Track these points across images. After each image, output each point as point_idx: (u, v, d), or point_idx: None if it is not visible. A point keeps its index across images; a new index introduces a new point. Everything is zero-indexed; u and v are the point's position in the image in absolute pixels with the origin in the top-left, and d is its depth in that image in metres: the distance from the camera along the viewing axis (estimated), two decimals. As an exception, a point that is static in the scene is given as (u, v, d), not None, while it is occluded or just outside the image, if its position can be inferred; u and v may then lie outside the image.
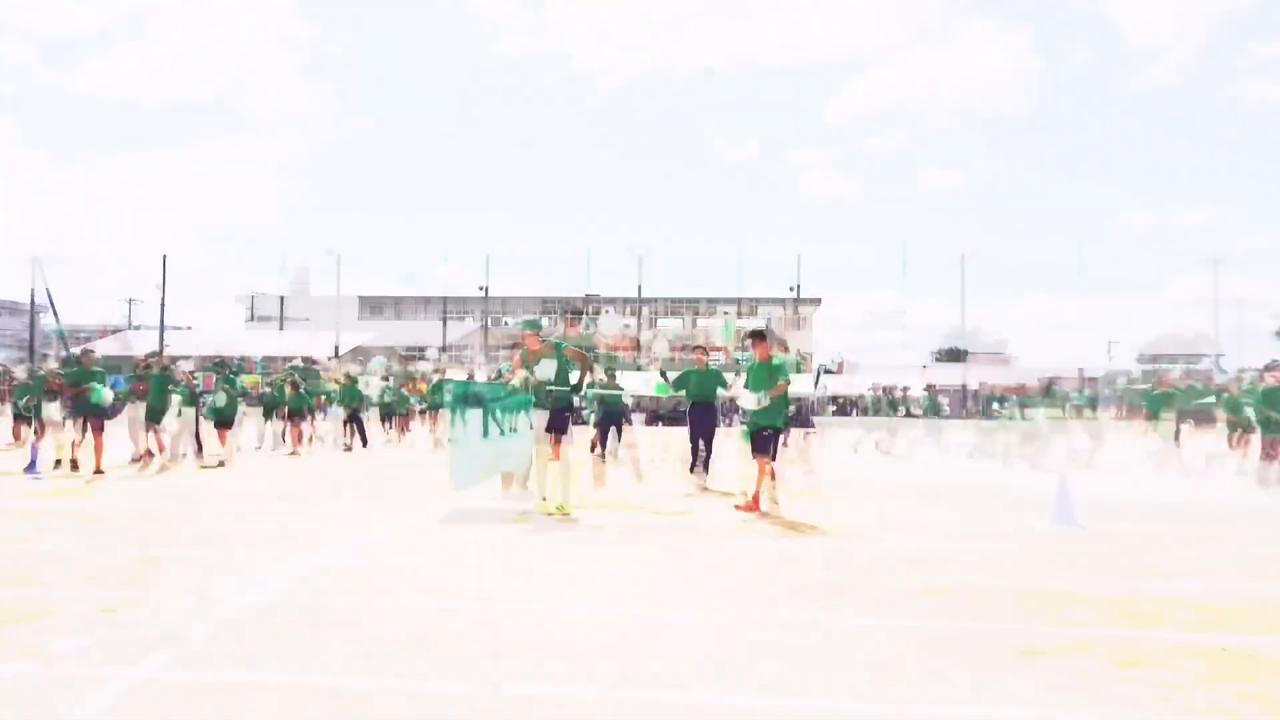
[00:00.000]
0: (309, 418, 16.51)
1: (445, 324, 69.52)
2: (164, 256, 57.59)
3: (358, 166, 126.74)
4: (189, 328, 72.56)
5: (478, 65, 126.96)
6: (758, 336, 8.68)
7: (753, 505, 8.11)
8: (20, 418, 14.80)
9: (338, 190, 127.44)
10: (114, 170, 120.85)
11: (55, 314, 56.29)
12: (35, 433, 13.46)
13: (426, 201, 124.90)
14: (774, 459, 8.23)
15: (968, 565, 5.73)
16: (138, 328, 69.61)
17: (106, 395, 11.36)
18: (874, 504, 9.21)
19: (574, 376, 8.34)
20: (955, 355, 66.41)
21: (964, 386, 55.16)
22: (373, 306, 77.43)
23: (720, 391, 11.08)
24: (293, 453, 15.46)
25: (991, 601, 4.65)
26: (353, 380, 17.76)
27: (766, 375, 8.38)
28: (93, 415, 11.18)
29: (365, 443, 17.12)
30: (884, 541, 6.65)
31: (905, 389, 22.17)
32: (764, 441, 8.25)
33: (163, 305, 58.59)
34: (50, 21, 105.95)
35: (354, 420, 17.15)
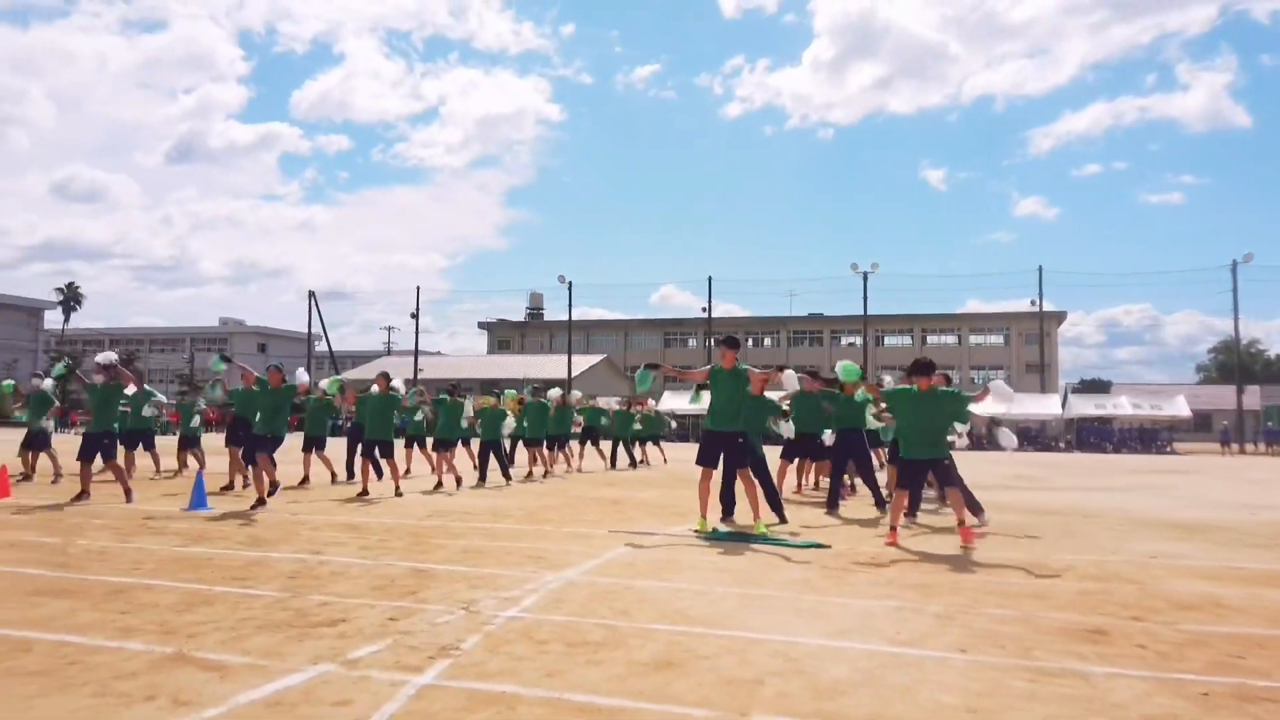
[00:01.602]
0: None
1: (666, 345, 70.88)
2: (418, 288, 62.59)
3: (592, 210, 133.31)
4: (439, 353, 78.45)
5: (705, 127, 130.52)
6: (921, 368, 8.10)
7: (896, 538, 7.83)
8: (184, 444, 15.60)
9: (572, 228, 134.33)
10: (388, 213, 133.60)
11: (328, 341, 62.67)
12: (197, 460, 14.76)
13: (652, 239, 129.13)
14: (952, 486, 8.01)
15: (1245, 613, 5.19)
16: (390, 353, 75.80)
17: (283, 423, 10.88)
18: (1112, 539, 8.50)
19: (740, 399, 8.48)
20: (1228, 372, 59.74)
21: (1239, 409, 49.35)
22: (601, 329, 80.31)
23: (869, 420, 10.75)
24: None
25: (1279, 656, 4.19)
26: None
27: (930, 406, 7.93)
28: (254, 442, 10.84)
29: (505, 475, 14.88)
30: (1146, 582, 6.14)
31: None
32: (914, 474, 8.11)
33: (416, 333, 63.67)
34: (365, 111, 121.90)
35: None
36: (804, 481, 12.79)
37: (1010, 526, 9.41)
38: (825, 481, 12.92)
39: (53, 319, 78.13)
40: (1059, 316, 69.30)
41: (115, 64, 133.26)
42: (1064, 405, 51.41)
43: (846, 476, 12.74)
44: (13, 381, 15.30)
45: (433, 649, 4.09)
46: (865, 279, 53.75)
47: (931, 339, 73.52)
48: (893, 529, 7.89)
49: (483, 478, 14.12)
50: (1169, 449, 44.43)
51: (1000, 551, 7.49)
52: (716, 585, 5.82)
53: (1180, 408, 48.19)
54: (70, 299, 76.16)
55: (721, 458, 8.55)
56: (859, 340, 68.06)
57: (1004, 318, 71.34)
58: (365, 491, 11.79)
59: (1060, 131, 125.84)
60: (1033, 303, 58.00)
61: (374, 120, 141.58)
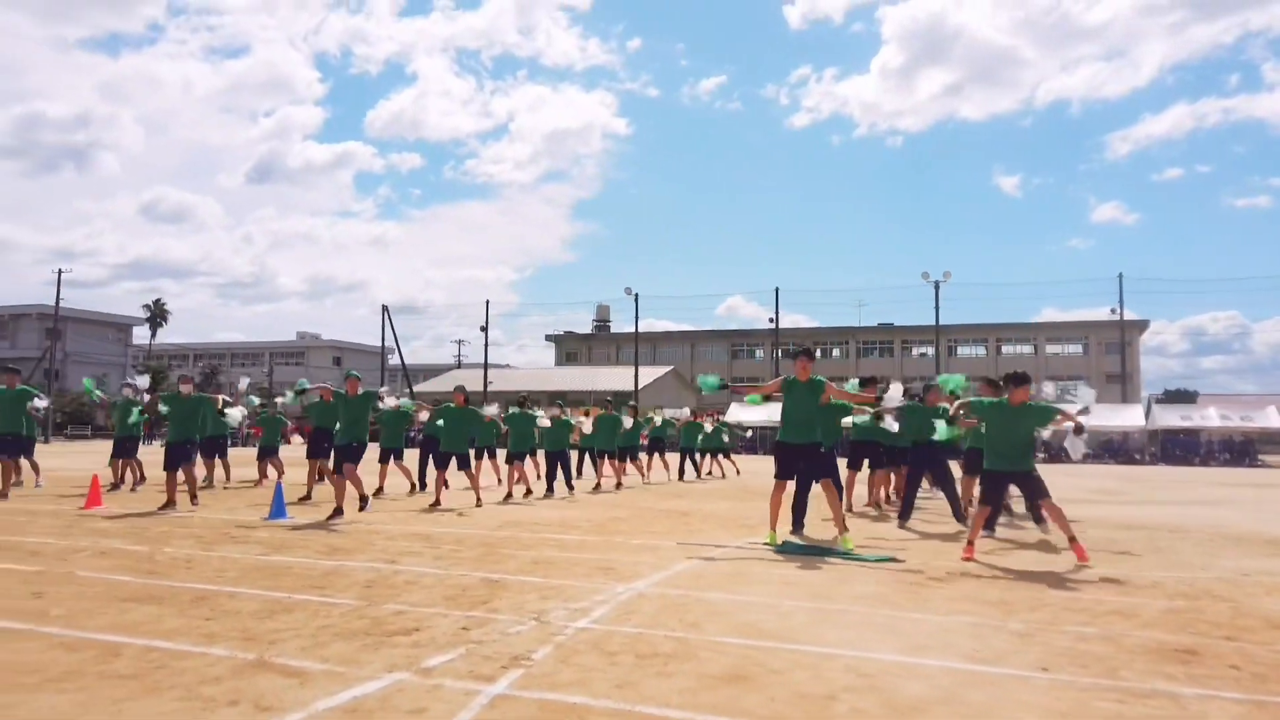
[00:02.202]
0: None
1: (733, 357, 70.55)
2: (486, 301, 63.51)
3: (658, 223, 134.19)
4: (508, 365, 79.42)
5: (772, 138, 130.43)
6: (1019, 380, 7.86)
7: (973, 552, 7.62)
8: (262, 454, 15.92)
9: (638, 240, 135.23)
10: (458, 228, 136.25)
11: (400, 355, 63.94)
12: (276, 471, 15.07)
13: (718, 250, 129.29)
14: (1044, 499, 7.68)
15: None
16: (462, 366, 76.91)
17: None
18: (1201, 555, 8.16)
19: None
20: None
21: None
22: (667, 341, 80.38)
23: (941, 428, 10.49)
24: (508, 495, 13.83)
25: (1394, 682, 3.97)
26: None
27: (1022, 419, 7.71)
28: (338, 454, 10.79)
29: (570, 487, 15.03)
30: (1239, 600, 5.88)
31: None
32: (998, 487, 7.90)
33: (486, 346, 64.57)
34: (437, 129, 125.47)
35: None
36: (877, 494, 12.56)
37: (1093, 542, 9.11)
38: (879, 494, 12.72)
39: (140, 335, 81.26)
40: (1141, 325, 67.08)
41: (200, 89, 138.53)
42: (1147, 416, 49.63)
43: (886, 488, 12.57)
44: (93, 379, 15.89)
45: (505, 659, 4.12)
46: (937, 288, 52.78)
47: (1006, 349, 71.80)
48: (970, 543, 7.69)
49: (550, 489, 14.22)
50: (1259, 462, 42.57)
51: (1083, 568, 7.25)
52: (787, 599, 5.75)
53: (1271, 419, 46.07)
54: (157, 315, 79.07)
55: (797, 470, 8.43)
56: (930, 350, 66.80)
57: (1082, 327, 69.35)
58: (437, 503, 11.97)
59: (1140, 135, 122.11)
60: (1113, 311, 56.23)
61: (445, 138, 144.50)
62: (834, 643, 4.57)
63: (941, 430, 9.49)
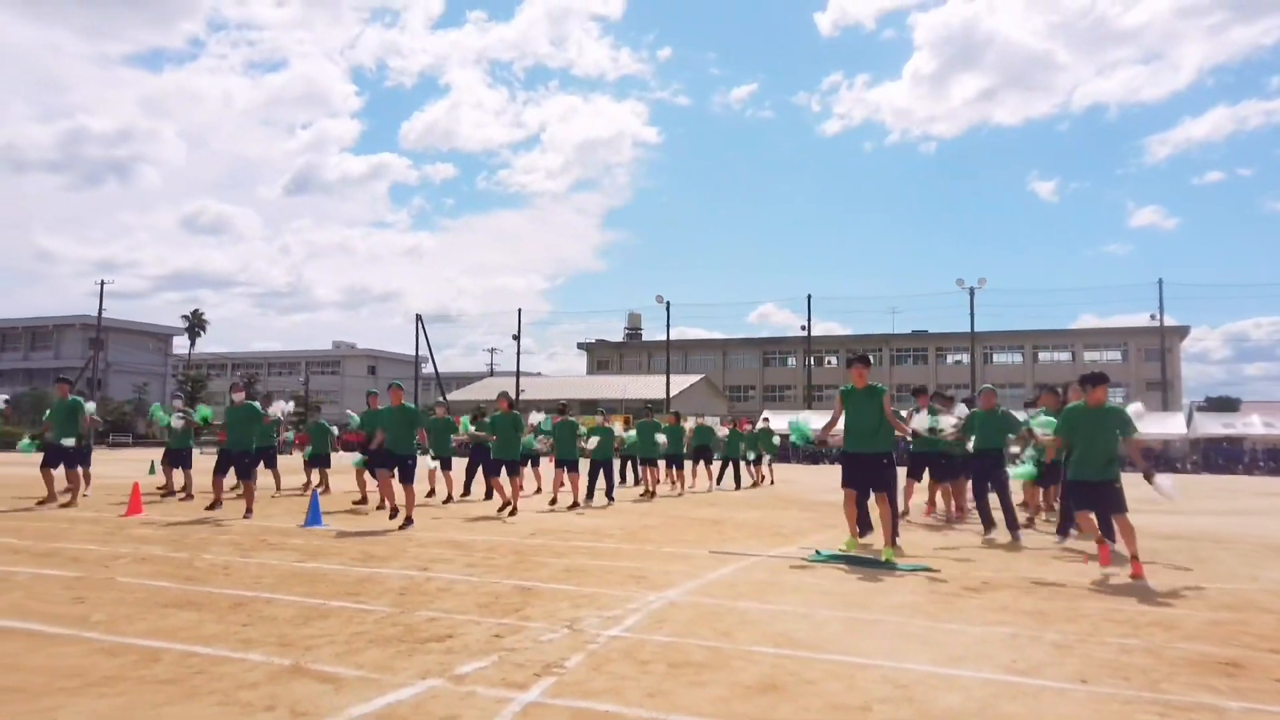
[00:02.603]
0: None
1: (765, 365, 70.32)
2: (519, 310, 63.87)
3: (689, 230, 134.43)
4: (540, 374, 79.73)
5: (803, 145, 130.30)
6: (1095, 380, 7.64)
7: (1105, 558, 7.37)
8: (308, 465, 16.10)
9: (669, 248, 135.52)
10: (490, 237, 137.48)
11: (434, 363, 64.43)
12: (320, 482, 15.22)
13: (750, 258, 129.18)
14: (1121, 514, 7.39)
15: None
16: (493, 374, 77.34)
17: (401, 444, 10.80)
18: (1246, 566, 7.98)
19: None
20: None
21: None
22: (699, 349, 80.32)
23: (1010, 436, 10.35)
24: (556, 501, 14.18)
25: None
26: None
27: (1102, 422, 7.45)
28: (389, 464, 10.79)
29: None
30: (1291, 614, 5.74)
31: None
32: (1086, 496, 7.51)
33: (518, 354, 64.86)
34: (470, 140, 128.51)
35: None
36: (936, 502, 12.42)
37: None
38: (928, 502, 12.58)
39: (180, 344, 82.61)
40: (1181, 331, 65.94)
41: (239, 102, 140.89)
42: (1189, 424, 48.78)
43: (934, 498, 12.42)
44: (163, 409, 15.93)
45: (537, 666, 4.12)
46: (972, 294, 52.29)
47: (1043, 356, 70.88)
48: (1102, 543, 7.40)
49: (589, 495, 14.24)
50: (1307, 470, 41.65)
51: (1123, 578, 7.12)
52: (821, 608, 5.71)
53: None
54: (196, 325, 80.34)
55: (860, 479, 8.30)
56: (965, 358, 66.17)
57: (1121, 333, 68.30)
58: (506, 507, 12.09)
59: (1179, 138, 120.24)
60: (1153, 317, 55.40)
61: (478, 149, 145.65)
62: (869, 653, 4.52)
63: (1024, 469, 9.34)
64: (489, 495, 13.86)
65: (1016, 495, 11.06)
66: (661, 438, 16.53)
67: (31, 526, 9.71)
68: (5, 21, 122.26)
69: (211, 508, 11.13)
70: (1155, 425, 47.12)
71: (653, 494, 16.18)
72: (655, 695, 3.73)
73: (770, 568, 7.50)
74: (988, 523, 9.97)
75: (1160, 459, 45.91)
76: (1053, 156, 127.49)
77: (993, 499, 9.98)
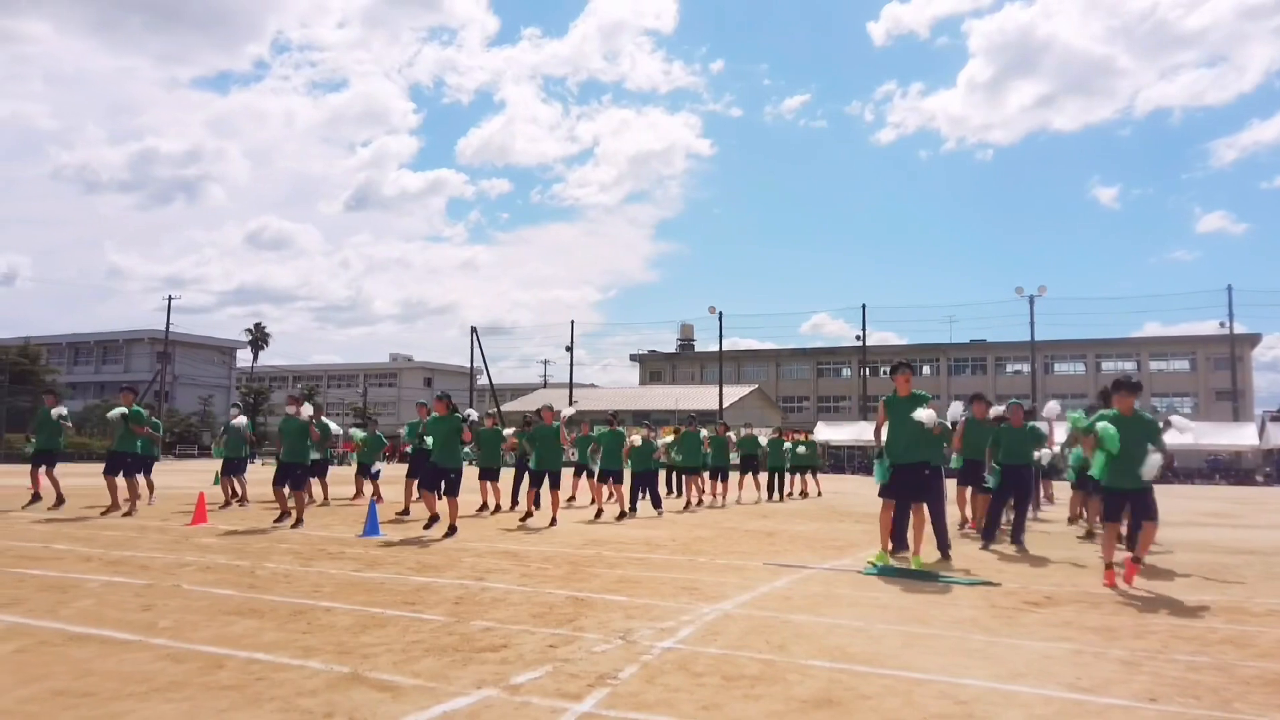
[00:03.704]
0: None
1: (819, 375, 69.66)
2: (571, 322, 64.24)
3: (741, 241, 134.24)
4: (593, 385, 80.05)
5: (857, 154, 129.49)
6: (1128, 388, 7.48)
7: (1114, 577, 7.20)
8: (358, 476, 16.66)
9: (721, 259, 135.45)
10: (544, 250, 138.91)
11: (488, 375, 65.08)
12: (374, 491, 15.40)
13: (802, 268, 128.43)
14: (1151, 521, 7.23)
15: None
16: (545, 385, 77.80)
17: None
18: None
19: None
20: None
21: None
22: (752, 360, 79.92)
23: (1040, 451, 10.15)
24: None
25: None
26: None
27: (1134, 430, 7.28)
28: (432, 474, 10.81)
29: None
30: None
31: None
32: (1120, 505, 7.38)
33: (571, 366, 65.19)
34: (525, 154, 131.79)
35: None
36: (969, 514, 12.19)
37: (1204, 567, 8.68)
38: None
39: (243, 357, 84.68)
40: (1252, 339, 63.82)
41: (301, 121, 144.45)
42: (1261, 435, 47.08)
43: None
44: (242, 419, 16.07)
45: (591, 677, 4.13)
46: (1032, 303, 51.28)
47: (1107, 365, 69.10)
48: (1109, 567, 7.26)
49: (633, 508, 14.24)
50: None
51: (1193, 594, 6.91)
52: (878, 622, 5.62)
53: None
54: (258, 339, 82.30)
55: (903, 490, 8.17)
56: (1025, 368, 64.79)
57: (1189, 342, 66.36)
58: (530, 514, 12.31)
59: (1246, 142, 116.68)
60: (1222, 325, 53.65)
61: (532, 163, 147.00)
62: (927, 668, 4.44)
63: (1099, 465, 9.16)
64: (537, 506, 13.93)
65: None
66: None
67: (103, 535, 10.01)
68: (84, 51, 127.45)
69: (279, 520, 11.33)
70: (1226, 436, 45.66)
71: (699, 504, 16.14)
72: (709, 708, 3.71)
73: (825, 580, 7.42)
74: (990, 534, 9.95)
75: (1231, 470, 44.44)
76: (1114, 162, 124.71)
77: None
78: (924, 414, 7.98)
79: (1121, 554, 7.59)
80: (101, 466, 13.10)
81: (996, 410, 10.91)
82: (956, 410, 9.47)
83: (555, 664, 4.37)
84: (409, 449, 14.47)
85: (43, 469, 13.34)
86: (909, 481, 8.05)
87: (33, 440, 13.70)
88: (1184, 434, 8.69)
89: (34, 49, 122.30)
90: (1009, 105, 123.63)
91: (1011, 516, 10.34)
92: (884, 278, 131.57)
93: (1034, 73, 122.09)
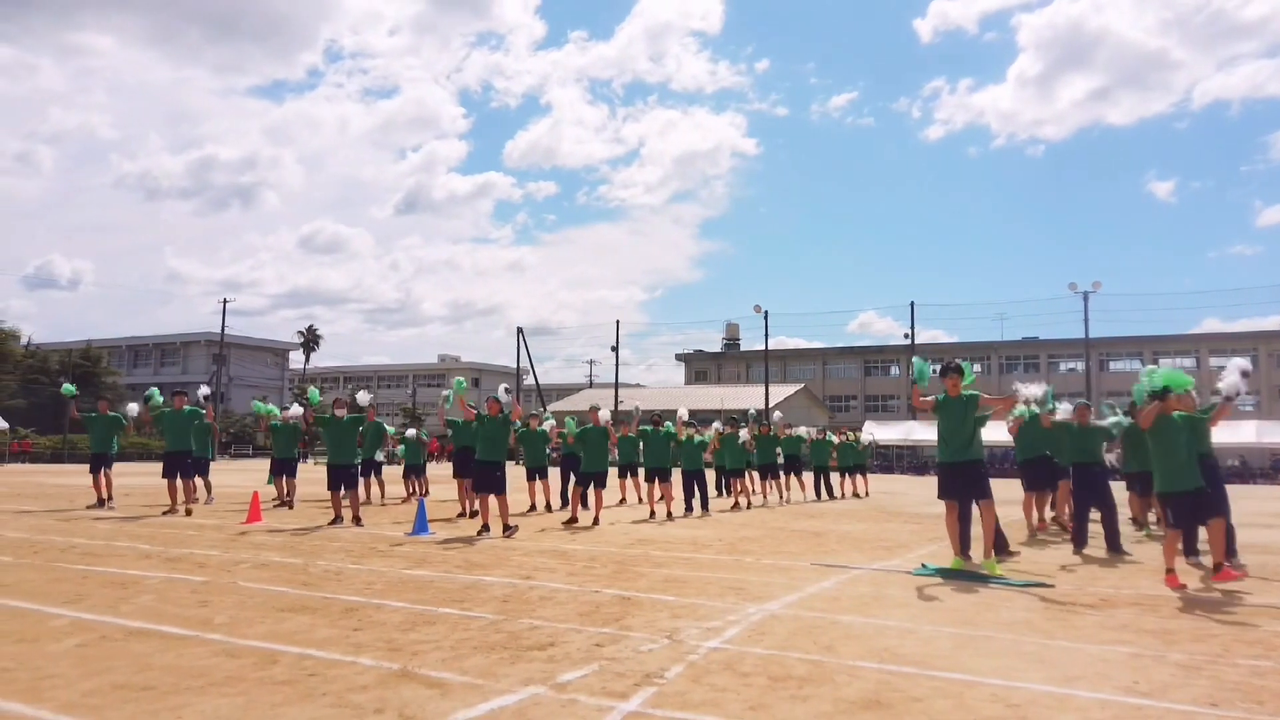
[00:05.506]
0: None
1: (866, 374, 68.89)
2: (617, 322, 64.36)
3: (787, 239, 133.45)
4: (639, 384, 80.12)
5: (905, 151, 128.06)
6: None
7: (1176, 580, 7.02)
8: (408, 473, 16.93)
9: (767, 258, 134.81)
10: (589, 250, 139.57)
11: (535, 375, 65.49)
12: (419, 490, 15.51)
13: (849, 266, 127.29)
14: (1220, 518, 7.07)
15: None
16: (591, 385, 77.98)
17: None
18: None
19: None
20: None
21: None
22: (798, 359, 79.36)
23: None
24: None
25: None
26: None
27: (1188, 430, 7.18)
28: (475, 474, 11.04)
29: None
30: None
31: None
32: (1188, 509, 7.16)
33: (617, 366, 65.34)
34: (571, 156, 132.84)
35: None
36: (1038, 515, 11.90)
37: (1268, 569, 8.43)
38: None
39: (296, 359, 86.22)
40: (1317, 334, 61.83)
41: (354, 128, 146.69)
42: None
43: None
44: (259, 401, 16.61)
45: (638, 676, 4.13)
46: (1085, 299, 50.14)
47: (1164, 362, 66.81)
48: (1170, 571, 7.09)
49: (688, 508, 14.23)
50: None
51: (1256, 597, 6.71)
52: (927, 623, 5.55)
53: None
54: (310, 341, 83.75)
55: (958, 490, 8.05)
56: (1080, 365, 63.53)
57: (1250, 337, 64.46)
58: (574, 519, 12.26)
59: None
60: (1284, 319, 52.01)
61: (579, 165, 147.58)
62: (979, 670, 4.37)
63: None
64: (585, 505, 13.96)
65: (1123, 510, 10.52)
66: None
67: (162, 534, 10.26)
68: (145, 62, 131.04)
69: (333, 523, 11.43)
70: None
71: (747, 504, 16.07)
72: (756, 708, 3.69)
73: (874, 581, 7.34)
74: (1080, 540, 9.67)
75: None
76: (1171, 156, 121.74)
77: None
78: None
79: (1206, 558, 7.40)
80: (160, 467, 13.41)
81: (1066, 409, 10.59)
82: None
83: (602, 663, 4.38)
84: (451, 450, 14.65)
85: (101, 470, 13.74)
86: (965, 481, 7.95)
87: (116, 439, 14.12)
88: (1238, 377, 8.27)
89: (97, 62, 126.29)
90: (1060, 100, 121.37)
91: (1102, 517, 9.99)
92: (933, 275, 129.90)
93: (1086, 66, 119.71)
